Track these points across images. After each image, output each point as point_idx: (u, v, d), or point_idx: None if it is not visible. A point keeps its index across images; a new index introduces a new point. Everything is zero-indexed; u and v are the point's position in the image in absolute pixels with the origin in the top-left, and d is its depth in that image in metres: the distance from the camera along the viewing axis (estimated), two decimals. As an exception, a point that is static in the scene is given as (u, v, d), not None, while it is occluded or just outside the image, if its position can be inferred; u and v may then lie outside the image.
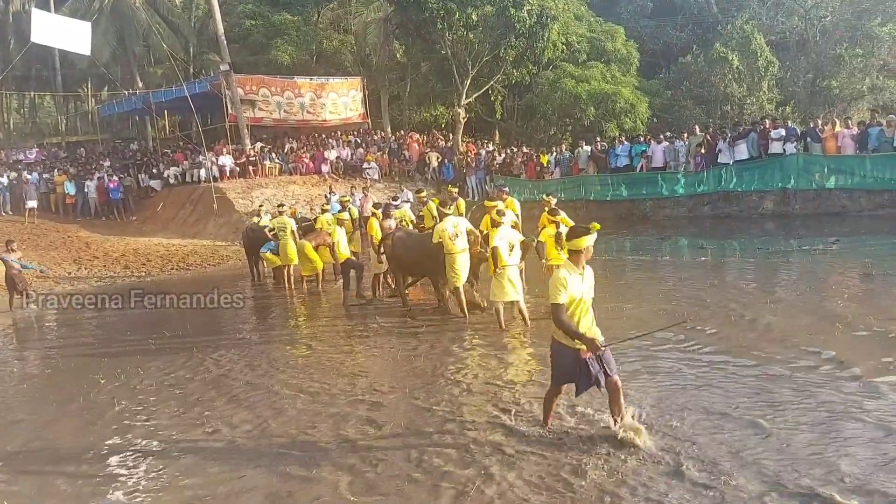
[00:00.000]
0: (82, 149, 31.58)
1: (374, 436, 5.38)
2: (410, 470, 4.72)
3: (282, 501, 4.47)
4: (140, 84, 31.57)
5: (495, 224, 8.49)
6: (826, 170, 16.69)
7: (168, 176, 25.43)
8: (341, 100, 28.08)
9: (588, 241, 4.78)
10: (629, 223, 19.12)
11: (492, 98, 27.26)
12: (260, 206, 16.76)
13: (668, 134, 20.67)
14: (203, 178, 23.29)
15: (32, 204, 22.83)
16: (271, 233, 13.50)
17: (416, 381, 6.69)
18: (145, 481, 4.92)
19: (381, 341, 8.63)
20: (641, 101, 24.86)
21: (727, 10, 30.66)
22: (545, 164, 22.10)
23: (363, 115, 28.83)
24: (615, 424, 4.89)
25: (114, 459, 5.35)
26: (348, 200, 15.15)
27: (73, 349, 9.68)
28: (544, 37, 24.08)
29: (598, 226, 4.87)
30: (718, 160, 18.14)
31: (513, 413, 5.59)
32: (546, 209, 9.37)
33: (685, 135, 19.70)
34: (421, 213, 12.36)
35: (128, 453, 5.45)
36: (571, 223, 8.96)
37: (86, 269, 17.10)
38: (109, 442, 5.72)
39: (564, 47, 26.04)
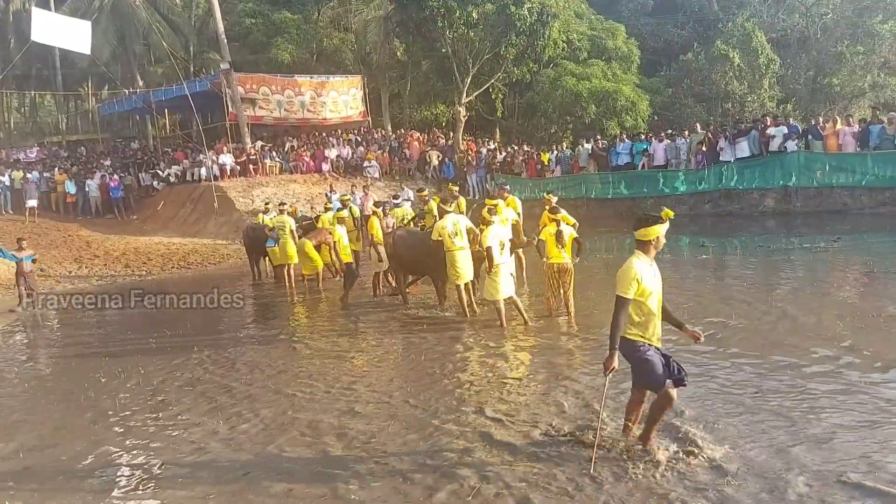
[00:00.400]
0: (83, 148, 31.59)
1: (374, 437, 5.36)
2: (410, 471, 4.71)
3: (283, 500, 4.45)
4: (140, 83, 31.56)
5: (486, 223, 8.48)
6: (827, 167, 16.67)
7: (169, 175, 25.42)
8: (342, 98, 28.06)
9: (660, 230, 4.38)
10: (630, 221, 19.01)
11: (492, 96, 27.26)
12: (266, 203, 16.75)
13: (670, 132, 20.65)
14: (203, 177, 23.28)
15: (32, 203, 22.82)
16: (269, 231, 13.49)
17: (417, 382, 6.67)
18: (146, 482, 4.91)
19: (380, 341, 8.62)
20: (642, 99, 24.84)
21: (728, 7, 30.63)
22: (546, 163, 22.09)
23: (364, 113, 28.81)
24: (627, 432, 4.69)
25: (114, 460, 5.33)
26: (349, 199, 15.13)
27: (73, 349, 9.68)
28: (545, 35, 24.06)
29: (670, 213, 4.48)
30: (720, 158, 18.14)
31: (513, 414, 5.57)
32: (547, 207, 9.35)
33: (686, 133, 19.67)
34: (424, 210, 12.34)
35: (128, 453, 5.44)
36: (573, 221, 8.96)
37: (86, 267, 17.10)
38: (110, 442, 5.71)
39: (565, 45, 26.02)
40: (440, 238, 9.06)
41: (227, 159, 23.88)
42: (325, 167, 24.41)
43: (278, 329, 10.02)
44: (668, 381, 4.39)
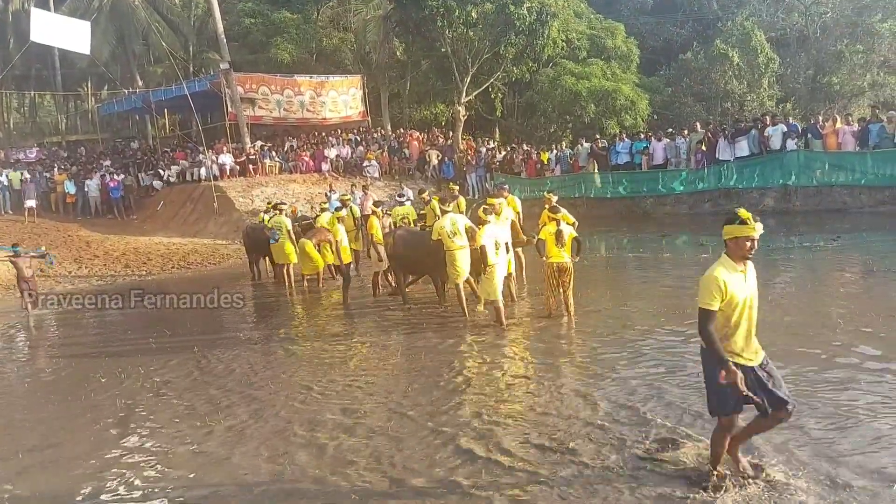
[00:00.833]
0: (82, 148, 31.58)
1: (375, 438, 5.37)
2: (412, 473, 4.72)
3: (285, 499, 4.46)
4: (140, 83, 31.56)
5: (481, 222, 8.49)
6: (827, 166, 16.68)
7: (168, 175, 25.42)
8: (341, 98, 28.07)
9: (740, 231, 3.84)
10: (630, 220, 19.11)
11: (492, 96, 27.27)
12: (268, 203, 16.79)
13: (670, 131, 20.67)
14: (203, 177, 23.28)
15: (31, 203, 22.82)
16: (268, 230, 13.52)
17: (417, 386, 6.67)
18: (147, 483, 4.91)
19: (381, 341, 8.61)
20: (642, 98, 24.85)
21: (727, 6, 30.64)
22: (545, 162, 22.10)
23: (363, 113, 28.81)
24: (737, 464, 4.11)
25: (115, 460, 5.34)
26: (349, 199, 15.14)
27: (73, 349, 9.68)
28: (544, 34, 24.07)
29: (746, 213, 3.88)
30: (719, 157, 18.14)
31: (515, 418, 5.57)
32: (546, 206, 9.35)
33: (686, 132, 19.69)
34: (423, 212, 12.35)
35: (129, 454, 5.44)
36: (572, 220, 8.97)
37: (86, 268, 17.10)
38: (111, 442, 5.71)
39: (564, 44, 26.04)
40: (440, 238, 9.07)
41: (227, 159, 23.88)
42: (325, 167, 24.42)
43: (278, 330, 10.02)
44: (733, 413, 3.90)
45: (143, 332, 10.44)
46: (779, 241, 13.68)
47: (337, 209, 12.90)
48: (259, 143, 25.77)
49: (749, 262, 3.96)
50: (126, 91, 30.57)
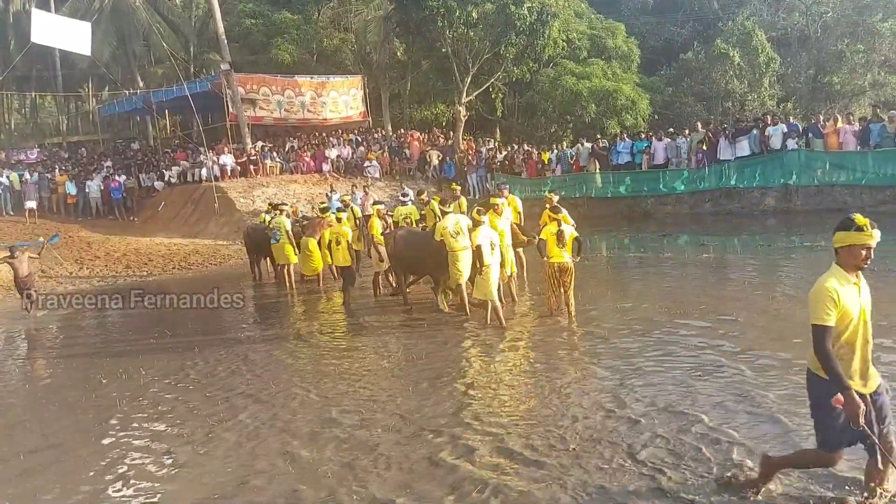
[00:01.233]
0: (83, 149, 31.59)
1: (375, 439, 5.37)
2: (412, 476, 4.71)
3: (288, 497, 4.46)
4: (141, 84, 31.57)
5: (476, 223, 8.51)
6: (828, 166, 16.67)
7: (169, 176, 25.44)
8: (342, 98, 28.07)
9: (867, 239, 3.55)
10: (630, 220, 19.11)
11: (492, 96, 27.28)
12: (270, 204, 16.82)
13: (671, 130, 20.66)
14: (204, 178, 23.29)
15: (32, 204, 22.82)
16: (269, 231, 13.54)
17: (418, 385, 6.66)
18: (147, 484, 4.91)
19: (381, 341, 8.61)
20: (642, 98, 24.85)
21: (728, 6, 30.63)
22: (546, 162, 22.09)
23: (364, 113, 28.82)
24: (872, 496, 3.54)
25: (116, 461, 5.34)
26: (349, 199, 15.16)
27: (74, 349, 9.68)
28: (545, 34, 24.06)
29: (863, 220, 3.61)
30: (720, 157, 18.13)
31: (516, 423, 5.56)
32: (547, 206, 9.35)
33: (686, 131, 19.68)
34: (423, 212, 12.36)
35: (130, 455, 5.44)
36: (571, 222, 8.97)
37: (87, 269, 17.10)
38: (112, 443, 5.71)
39: (565, 44, 26.04)
40: (442, 238, 9.07)
41: (228, 160, 23.90)
42: (326, 167, 24.42)
43: (278, 330, 10.02)
44: (840, 448, 3.52)
45: (144, 332, 10.45)
46: (780, 241, 13.68)
47: (339, 209, 12.89)
48: (260, 143, 25.78)
49: (861, 274, 3.63)
50: (127, 92, 30.58)
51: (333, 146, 25.51)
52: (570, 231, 8.53)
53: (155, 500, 4.65)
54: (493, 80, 25.84)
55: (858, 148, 16.14)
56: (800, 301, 8.71)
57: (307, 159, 24.80)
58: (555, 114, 25.79)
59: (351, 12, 30.32)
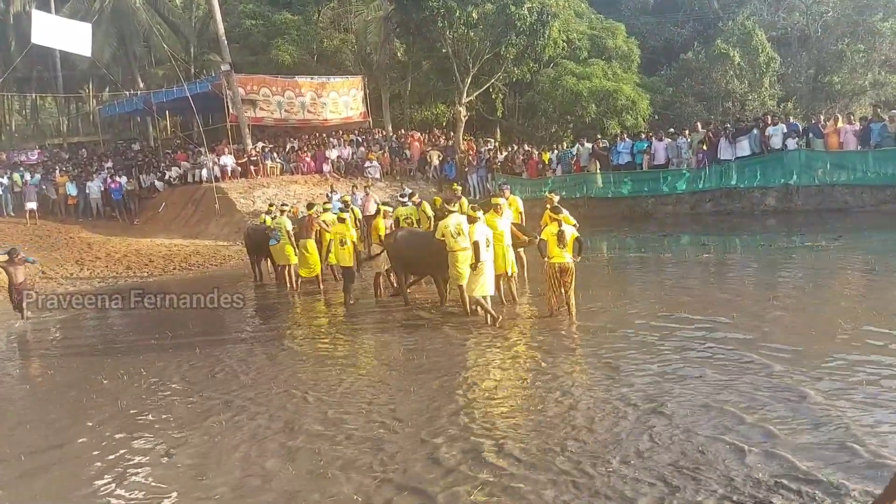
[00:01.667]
0: (84, 150, 31.63)
1: (376, 443, 5.36)
2: (413, 477, 4.71)
3: (289, 499, 4.46)
4: (141, 85, 31.61)
5: (472, 220, 8.62)
6: (828, 166, 16.65)
7: (170, 177, 25.46)
8: (342, 99, 28.08)
9: None
10: (631, 220, 19.11)
11: (493, 96, 27.29)
12: (270, 205, 16.82)
13: (671, 130, 20.65)
14: (205, 179, 23.30)
15: (32, 205, 22.84)
16: (270, 231, 13.55)
17: (419, 386, 6.66)
18: (148, 485, 4.91)
19: (381, 341, 8.61)
20: (643, 98, 24.85)
21: (728, 6, 30.64)
22: (547, 162, 22.09)
23: (364, 114, 28.83)
24: None
25: (118, 463, 5.34)
26: (349, 200, 15.16)
27: (74, 350, 9.68)
28: (545, 34, 24.07)
29: None
30: (720, 157, 18.12)
31: (516, 429, 5.56)
32: (548, 207, 9.35)
33: (687, 131, 19.67)
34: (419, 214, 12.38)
35: (131, 456, 5.44)
36: (573, 222, 8.97)
37: (88, 269, 17.11)
38: (113, 444, 5.71)
39: (565, 45, 26.05)
40: (443, 237, 9.09)
41: (229, 160, 23.91)
42: (326, 168, 24.43)
43: (278, 331, 10.01)
44: None
45: (145, 333, 10.44)
46: (780, 241, 13.68)
47: (340, 209, 12.88)
48: (260, 144, 25.79)
49: None
50: (127, 93, 30.61)
51: (334, 147, 25.52)
52: (570, 231, 8.53)
53: (156, 501, 4.65)
54: (493, 80, 25.85)
55: (859, 148, 16.13)
56: (800, 301, 8.72)
57: (307, 160, 24.82)
58: (555, 114, 25.80)
59: (351, 13, 30.34)
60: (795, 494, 3.93)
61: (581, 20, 28.76)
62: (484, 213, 9.06)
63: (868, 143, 15.90)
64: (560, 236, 8.34)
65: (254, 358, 8.20)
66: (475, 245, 8.39)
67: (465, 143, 25.51)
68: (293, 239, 12.91)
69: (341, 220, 11.60)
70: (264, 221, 14.98)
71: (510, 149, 24.70)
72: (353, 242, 11.07)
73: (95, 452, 5.53)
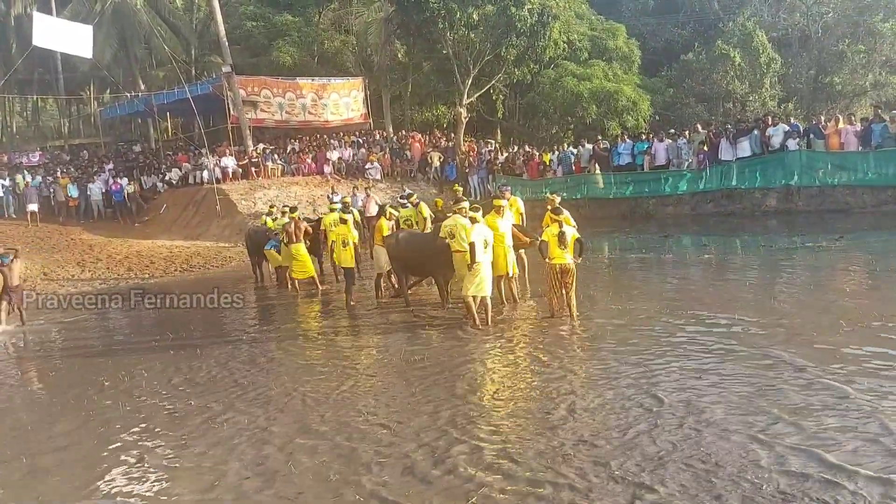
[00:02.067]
0: (85, 151, 31.67)
1: (376, 445, 5.37)
2: (413, 478, 4.71)
3: (291, 500, 4.46)
4: (142, 86, 31.62)
5: (472, 220, 8.60)
6: (829, 166, 16.65)
7: (170, 178, 25.48)
8: (343, 100, 28.09)
9: None
10: (632, 221, 19.11)
11: (493, 97, 27.28)
12: (271, 206, 16.83)
13: (671, 131, 20.65)
14: (206, 180, 23.32)
15: (33, 207, 22.85)
16: (271, 233, 13.55)
17: (420, 388, 6.66)
18: (150, 486, 4.91)
19: (382, 342, 8.61)
20: (643, 99, 24.85)
21: (729, 7, 30.63)
22: (547, 163, 22.09)
23: (365, 115, 28.83)
24: None
25: (119, 463, 5.34)
26: (349, 202, 15.16)
27: (76, 351, 9.68)
28: (546, 35, 24.05)
29: None
30: (721, 157, 18.12)
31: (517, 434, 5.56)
32: (549, 208, 9.36)
33: (687, 132, 19.67)
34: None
35: (133, 457, 5.44)
36: (573, 223, 8.98)
37: (89, 271, 17.12)
38: (115, 446, 5.71)
39: (566, 46, 26.03)
40: (444, 237, 9.10)
41: (230, 162, 23.92)
42: (327, 169, 24.44)
43: (279, 332, 10.01)
44: None
45: (146, 334, 10.46)
46: (781, 242, 13.67)
47: (343, 210, 12.87)
48: (261, 145, 25.81)
49: None
50: (128, 94, 30.61)
51: (335, 148, 25.54)
52: (571, 232, 8.54)
53: (158, 501, 4.65)
54: (493, 81, 25.84)
55: (860, 148, 16.13)
56: (798, 302, 8.72)
57: (308, 161, 24.83)
58: (556, 115, 25.80)
59: (352, 14, 30.35)
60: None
61: (582, 21, 28.74)
62: (485, 215, 9.07)
63: (869, 144, 15.90)
64: (561, 237, 8.35)
65: (254, 359, 8.20)
66: (471, 246, 8.39)
67: (466, 144, 25.52)
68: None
69: (343, 222, 11.62)
70: (265, 223, 15.01)
71: (511, 150, 24.70)
72: (355, 243, 11.08)
73: (97, 454, 5.53)
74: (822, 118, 18.07)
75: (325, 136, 26.96)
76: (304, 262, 12.56)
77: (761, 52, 24.89)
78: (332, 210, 13.44)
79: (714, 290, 9.93)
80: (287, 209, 14.64)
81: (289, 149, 26.17)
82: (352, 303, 10.96)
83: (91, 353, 9.50)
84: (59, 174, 25.69)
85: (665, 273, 11.73)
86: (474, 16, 23.47)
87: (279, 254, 13.33)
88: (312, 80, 27.70)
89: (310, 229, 12.99)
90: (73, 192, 24.48)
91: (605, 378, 6.28)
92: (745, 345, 6.84)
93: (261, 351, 8.64)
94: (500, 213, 9.33)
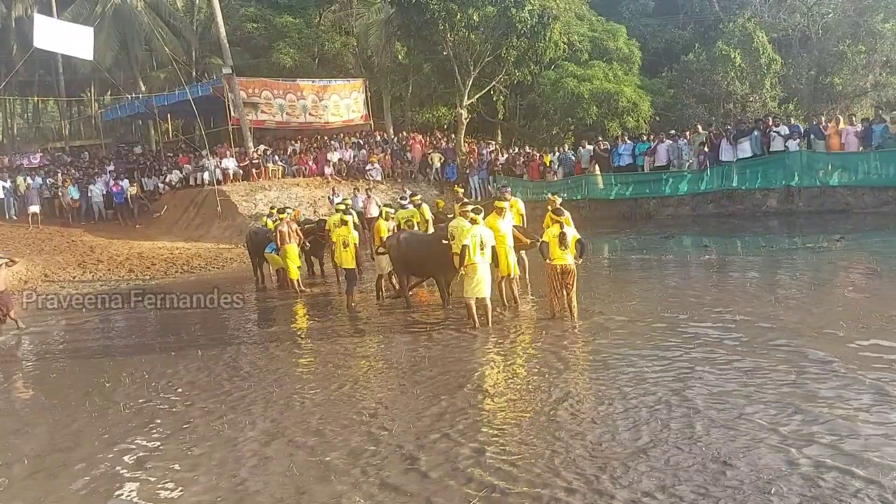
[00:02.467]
0: (86, 153, 31.69)
1: (376, 447, 5.37)
2: (416, 481, 4.71)
3: (296, 499, 4.47)
4: (143, 88, 31.64)
5: (472, 222, 8.60)
6: (830, 167, 16.65)
7: (171, 180, 25.49)
8: (343, 101, 28.09)
9: None
10: (632, 222, 19.11)
11: (494, 98, 27.25)
12: (272, 208, 16.83)
13: (672, 132, 20.64)
14: (206, 181, 23.33)
15: (35, 209, 22.86)
16: (271, 235, 13.57)
17: (420, 389, 6.67)
18: (153, 487, 4.92)
19: (384, 344, 8.61)
20: (644, 100, 24.83)
21: (729, 7, 30.59)
22: (548, 164, 22.09)
23: (365, 116, 28.84)
24: None
25: (121, 464, 5.35)
26: (349, 203, 15.16)
27: (77, 353, 9.69)
28: (546, 36, 24.06)
29: None
30: (722, 158, 18.11)
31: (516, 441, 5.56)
32: (550, 208, 9.37)
33: (688, 133, 19.66)
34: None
35: (135, 458, 5.45)
36: (572, 225, 8.98)
37: (90, 273, 17.12)
38: (117, 447, 5.72)
39: (566, 47, 26.01)
40: (446, 238, 9.11)
41: (230, 163, 23.93)
42: (328, 170, 24.44)
43: (280, 334, 10.02)
44: None
45: (147, 335, 10.47)
46: (782, 242, 13.67)
47: (344, 211, 12.88)
48: (262, 147, 25.82)
49: None
50: (129, 96, 30.62)
51: (335, 149, 25.55)
52: (572, 233, 8.54)
53: (159, 502, 4.66)
54: (494, 82, 25.83)
55: (861, 149, 16.12)
56: (799, 303, 8.72)
57: (309, 162, 24.84)
58: (556, 116, 25.78)
59: (352, 16, 30.37)
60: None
61: (582, 22, 28.73)
62: (486, 216, 9.08)
63: (869, 145, 15.90)
64: (562, 238, 8.36)
65: (256, 361, 8.21)
66: (463, 248, 8.40)
67: (467, 145, 25.53)
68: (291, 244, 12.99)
69: (344, 223, 11.63)
70: (266, 224, 15.01)
71: (511, 151, 24.70)
72: (355, 244, 11.10)
73: (99, 456, 5.54)
74: (823, 119, 18.06)
75: (325, 138, 26.97)
76: (288, 264, 12.66)
77: (762, 52, 24.86)
78: (337, 211, 13.46)
79: (715, 291, 9.93)
80: (274, 211, 14.69)
81: (289, 150, 26.18)
82: (353, 304, 10.96)
83: (92, 354, 9.51)
84: (60, 176, 25.70)
85: (666, 274, 11.73)
86: (475, 17, 23.47)
87: (279, 255, 13.35)
88: (313, 81, 27.71)
89: (299, 231, 13.06)
90: (74, 193, 24.49)
91: (606, 378, 6.28)
92: (746, 346, 6.84)
93: (262, 352, 8.65)
94: (501, 214, 9.34)
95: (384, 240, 11.27)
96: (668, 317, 8.31)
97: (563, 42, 25.65)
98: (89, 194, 24.47)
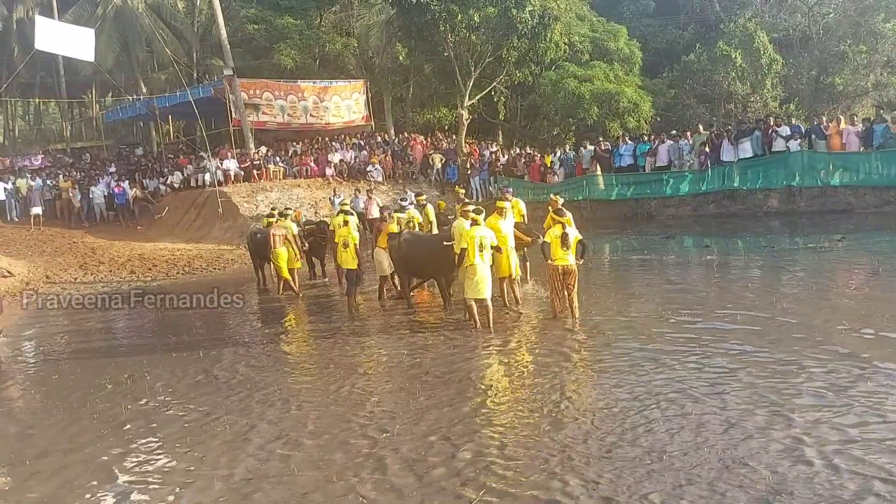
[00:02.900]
0: (87, 154, 31.72)
1: (376, 449, 5.37)
2: (417, 482, 4.71)
3: (296, 500, 4.47)
4: (144, 89, 31.65)
5: (473, 223, 8.59)
6: (831, 167, 16.63)
7: (172, 181, 25.51)
8: (344, 103, 28.09)
9: None
10: (633, 222, 19.09)
11: (495, 99, 27.27)
12: (272, 209, 16.83)
13: (673, 133, 20.63)
14: (208, 183, 23.34)
15: (37, 210, 22.89)
16: None
17: (421, 390, 6.67)
18: (154, 488, 4.92)
19: (384, 344, 8.62)
20: (645, 101, 24.83)
21: (730, 8, 30.58)
22: (549, 165, 22.09)
23: (366, 117, 28.84)
24: None
25: (123, 466, 5.35)
26: (349, 205, 15.14)
27: (79, 354, 9.70)
28: (547, 37, 24.05)
29: None
30: (723, 158, 18.10)
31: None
32: (552, 209, 9.37)
33: (689, 133, 19.65)
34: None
35: (137, 460, 5.45)
36: (573, 225, 8.99)
37: (92, 274, 17.14)
38: (118, 449, 5.73)
39: (567, 47, 26.01)
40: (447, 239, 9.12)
41: (232, 164, 23.95)
42: (329, 171, 24.45)
43: (282, 335, 10.04)
44: None
45: (148, 337, 10.47)
46: (783, 243, 13.67)
47: (346, 212, 12.88)
48: (263, 148, 25.83)
49: None
50: (130, 98, 30.63)
51: (336, 150, 25.56)
52: (574, 233, 8.54)
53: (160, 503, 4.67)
54: (495, 83, 25.84)
55: (862, 149, 16.11)
56: (797, 308, 8.72)
57: (310, 164, 24.84)
58: (557, 116, 25.79)
59: (353, 17, 30.37)
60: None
61: (583, 23, 28.73)
62: (487, 216, 9.08)
63: (871, 145, 15.88)
64: (564, 238, 8.36)
65: (257, 362, 8.21)
66: (462, 250, 8.40)
67: (468, 145, 25.53)
68: (296, 245, 12.99)
69: (345, 223, 11.62)
70: (267, 225, 15.00)
71: (512, 151, 24.70)
72: (356, 245, 11.10)
73: (100, 457, 5.54)
74: (824, 119, 18.04)
75: (326, 139, 26.97)
76: (280, 266, 12.71)
77: (762, 52, 24.85)
78: (342, 212, 13.46)
79: (715, 291, 9.93)
80: (275, 212, 14.69)
81: (290, 151, 26.19)
82: (354, 305, 10.96)
83: (94, 355, 9.51)
84: (61, 177, 25.72)
85: (667, 274, 11.73)
86: (475, 18, 23.48)
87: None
88: (314, 82, 27.71)
89: (296, 238, 13.09)
90: (76, 195, 24.50)
91: (607, 379, 6.28)
92: (749, 345, 6.83)
93: (262, 353, 8.65)
94: (502, 214, 9.34)
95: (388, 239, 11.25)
96: (670, 317, 8.31)
97: (564, 43, 25.65)
98: (91, 196, 24.50)
